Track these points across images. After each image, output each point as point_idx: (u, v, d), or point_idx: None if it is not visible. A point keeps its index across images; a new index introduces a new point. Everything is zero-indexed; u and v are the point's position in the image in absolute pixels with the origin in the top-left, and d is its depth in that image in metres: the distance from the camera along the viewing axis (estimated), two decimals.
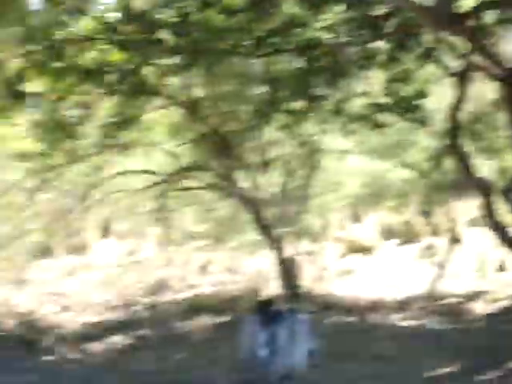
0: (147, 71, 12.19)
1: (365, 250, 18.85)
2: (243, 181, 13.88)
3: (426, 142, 16.35)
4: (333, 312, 12.75)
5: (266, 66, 12.76)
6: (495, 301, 13.27)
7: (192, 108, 12.74)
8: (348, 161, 16.43)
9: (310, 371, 8.68)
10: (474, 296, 13.92)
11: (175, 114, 13.44)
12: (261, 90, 12.85)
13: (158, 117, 13.20)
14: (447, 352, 9.89)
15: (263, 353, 8.70)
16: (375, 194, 19.39)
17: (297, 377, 8.37)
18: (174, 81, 12.97)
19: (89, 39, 10.81)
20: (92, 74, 12.07)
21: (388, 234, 20.62)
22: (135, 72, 12.13)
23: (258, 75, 12.95)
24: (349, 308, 13.17)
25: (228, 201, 14.59)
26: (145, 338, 12.27)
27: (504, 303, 13.14)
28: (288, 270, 13.27)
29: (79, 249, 16.11)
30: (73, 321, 13.32)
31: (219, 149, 13.24)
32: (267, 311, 8.94)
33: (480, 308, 13.04)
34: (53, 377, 10.03)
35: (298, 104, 12.74)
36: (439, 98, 17.31)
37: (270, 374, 8.66)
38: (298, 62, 12.43)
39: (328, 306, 13.06)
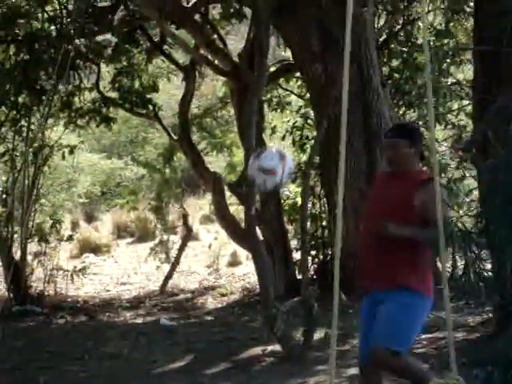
0: None
1: (98, 248, 18.54)
2: None
3: (157, 137, 16.35)
4: (63, 313, 12.35)
5: None
6: (226, 295, 13.48)
7: None
8: (80, 158, 16.07)
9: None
10: (206, 291, 14.07)
11: None
12: None
13: None
14: (180, 347, 9.87)
15: None
16: (108, 192, 19.20)
17: None
18: None
19: None
20: None
21: (122, 231, 20.47)
22: None
23: None
24: (80, 308, 12.85)
25: None
26: None
27: (235, 297, 13.37)
28: (16, 271, 12.67)
29: None
30: None
31: None
32: None
33: (212, 302, 13.18)
34: None
35: (24, 97, 12.33)
36: (170, 93, 17.45)
37: None
38: (23, 54, 12.06)
39: (59, 306, 12.65)
